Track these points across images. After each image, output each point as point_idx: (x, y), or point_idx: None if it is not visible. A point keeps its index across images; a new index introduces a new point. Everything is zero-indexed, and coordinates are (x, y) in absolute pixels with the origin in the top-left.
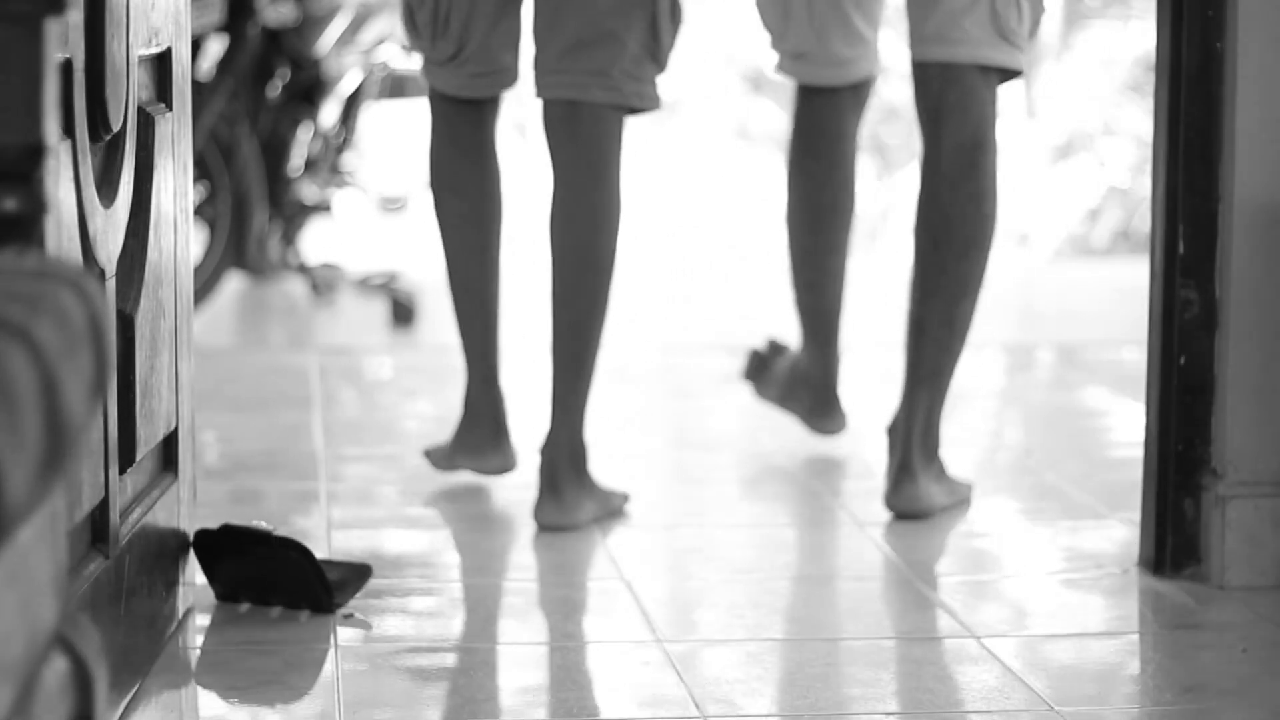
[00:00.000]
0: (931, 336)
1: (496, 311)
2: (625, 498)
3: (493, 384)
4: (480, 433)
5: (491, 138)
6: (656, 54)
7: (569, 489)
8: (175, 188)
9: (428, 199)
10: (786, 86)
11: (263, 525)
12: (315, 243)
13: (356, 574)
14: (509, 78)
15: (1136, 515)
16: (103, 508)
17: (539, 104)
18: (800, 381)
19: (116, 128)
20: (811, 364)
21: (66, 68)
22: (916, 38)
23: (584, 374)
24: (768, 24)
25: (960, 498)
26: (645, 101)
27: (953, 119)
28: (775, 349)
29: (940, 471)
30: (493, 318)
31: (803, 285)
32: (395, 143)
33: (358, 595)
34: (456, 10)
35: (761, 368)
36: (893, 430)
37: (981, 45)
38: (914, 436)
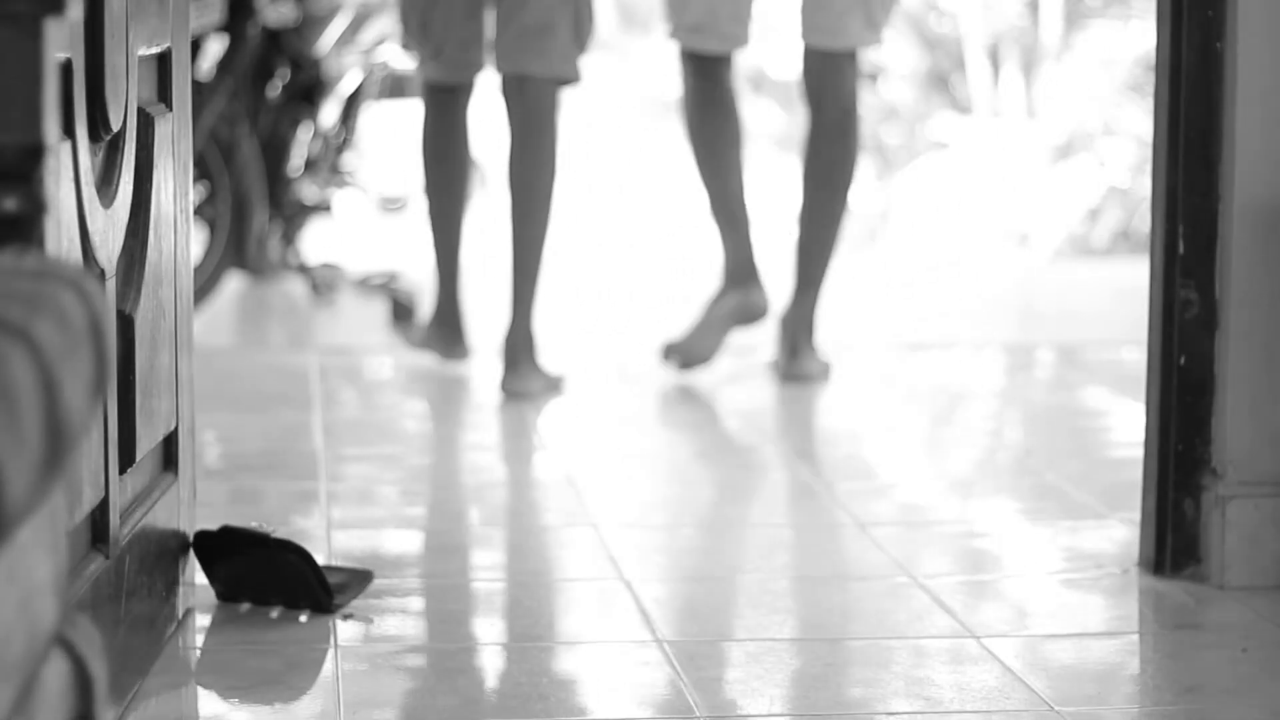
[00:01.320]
0: (813, 254)
1: (460, 246)
2: (562, 379)
3: (455, 298)
4: (445, 332)
5: (464, 116)
6: (580, 40)
7: (524, 365)
8: (175, 188)
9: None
10: (786, 87)
11: (262, 527)
12: (315, 243)
13: (358, 579)
14: (475, 68)
15: (1136, 515)
16: (103, 508)
17: (497, 77)
18: (724, 288)
19: (116, 128)
20: (729, 253)
21: (66, 68)
22: (807, 27)
23: (533, 279)
24: (671, 2)
25: (823, 366)
26: (572, 75)
27: (829, 93)
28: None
29: (815, 351)
30: (458, 250)
31: (714, 194)
32: (395, 143)
33: (358, 597)
34: (437, 19)
35: (679, 342)
36: (785, 322)
37: (854, 36)
38: (802, 326)
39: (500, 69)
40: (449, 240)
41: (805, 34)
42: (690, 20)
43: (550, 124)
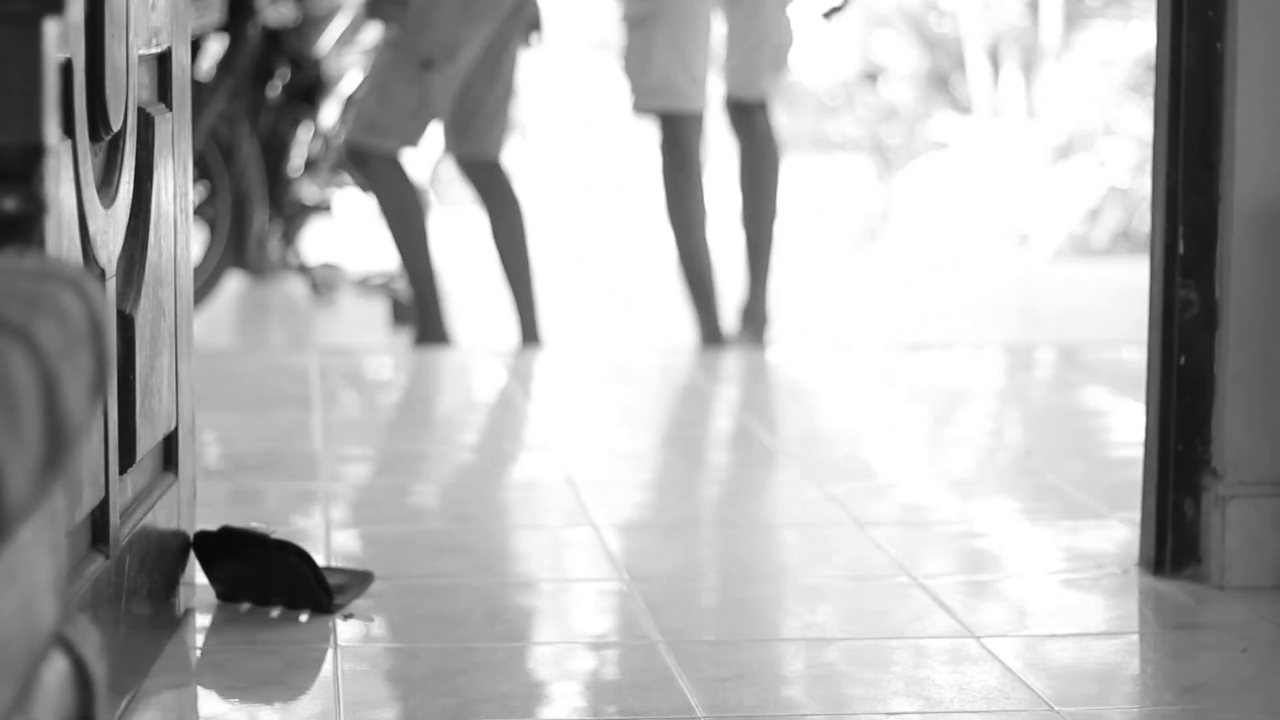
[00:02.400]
0: (757, 251)
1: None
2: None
3: (437, 304)
4: (436, 326)
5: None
6: (505, 118)
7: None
8: (175, 188)
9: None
10: (786, 87)
11: (261, 528)
12: (315, 243)
13: (358, 579)
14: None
15: (1136, 515)
16: (103, 508)
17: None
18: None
19: (116, 128)
20: (700, 315)
21: (66, 68)
22: (726, 78)
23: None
24: (629, 69)
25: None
26: (497, 153)
27: (744, 128)
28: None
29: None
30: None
31: (683, 255)
32: None
33: (358, 598)
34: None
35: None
36: (747, 314)
37: (752, 87)
38: (762, 315)
39: (454, 155)
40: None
41: (728, 84)
42: (648, 83)
43: (506, 183)
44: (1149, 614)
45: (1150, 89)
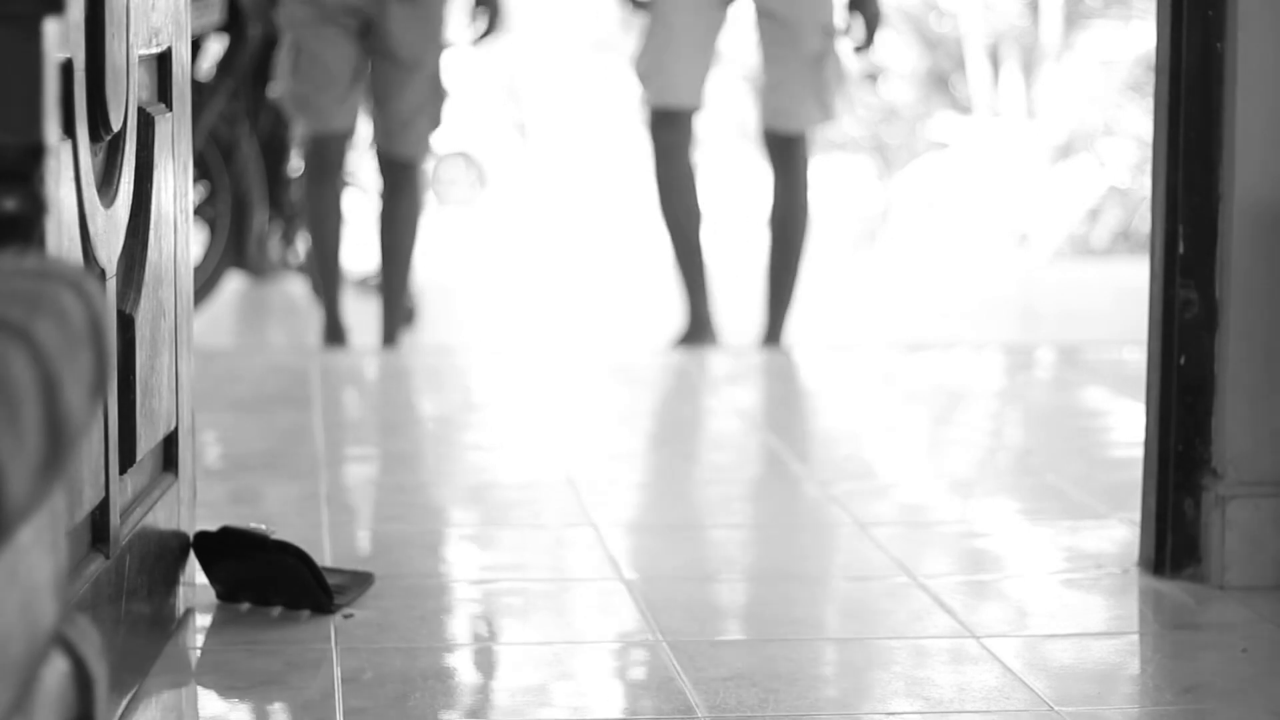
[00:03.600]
0: (776, 302)
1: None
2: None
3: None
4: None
5: (341, 165)
6: (436, 121)
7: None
8: (175, 188)
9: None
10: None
11: (261, 528)
12: None
13: (358, 580)
14: (346, 121)
15: (1136, 515)
16: (103, 508)
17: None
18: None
19: (116, 128)
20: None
21: (66, 68)
22: (764, 109)
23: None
24: (641, 71)
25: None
26: (425, 156)
27: (784, 163)
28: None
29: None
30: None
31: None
32: None
33: (358, 599)
34: (313, 94)
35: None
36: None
37: (805, 120)
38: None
39: (375, 148)
40: (331, 267)
41: (762, 114)
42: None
43: (417, 189)
44: (1149, 614)
45: (1150, 89)
